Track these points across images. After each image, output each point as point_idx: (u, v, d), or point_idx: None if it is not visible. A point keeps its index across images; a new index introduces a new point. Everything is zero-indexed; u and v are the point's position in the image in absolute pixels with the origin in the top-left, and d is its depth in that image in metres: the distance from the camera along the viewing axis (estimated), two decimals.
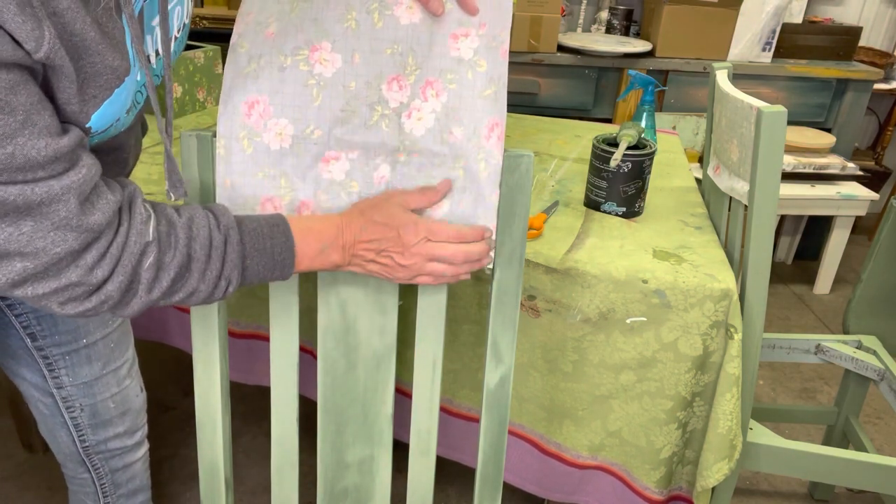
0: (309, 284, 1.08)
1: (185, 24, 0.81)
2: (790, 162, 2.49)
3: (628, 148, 1.19)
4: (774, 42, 2.50)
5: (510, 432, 1.18)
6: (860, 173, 2.53)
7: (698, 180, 1.46)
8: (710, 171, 1.27)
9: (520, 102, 2.48)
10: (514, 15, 0.79)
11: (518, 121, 1.80)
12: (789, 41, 2.57)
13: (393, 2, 0.76)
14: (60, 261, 0.61)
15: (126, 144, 0.83)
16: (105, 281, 0.64)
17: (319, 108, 0.79)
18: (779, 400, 2.09)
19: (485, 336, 0.89)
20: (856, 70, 2.52)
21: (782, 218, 2.86)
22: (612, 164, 1.18)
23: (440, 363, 0.89)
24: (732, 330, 1.02)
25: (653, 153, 1.21)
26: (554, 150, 1.59)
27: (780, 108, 0.97)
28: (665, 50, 2.47)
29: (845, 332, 1.54)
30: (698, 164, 2.51)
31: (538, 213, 1.20)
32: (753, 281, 1.07)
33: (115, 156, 0.82)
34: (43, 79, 0.59)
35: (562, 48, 2.48)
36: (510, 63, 0.80)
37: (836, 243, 2.60)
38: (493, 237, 0.83)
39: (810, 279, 2.80)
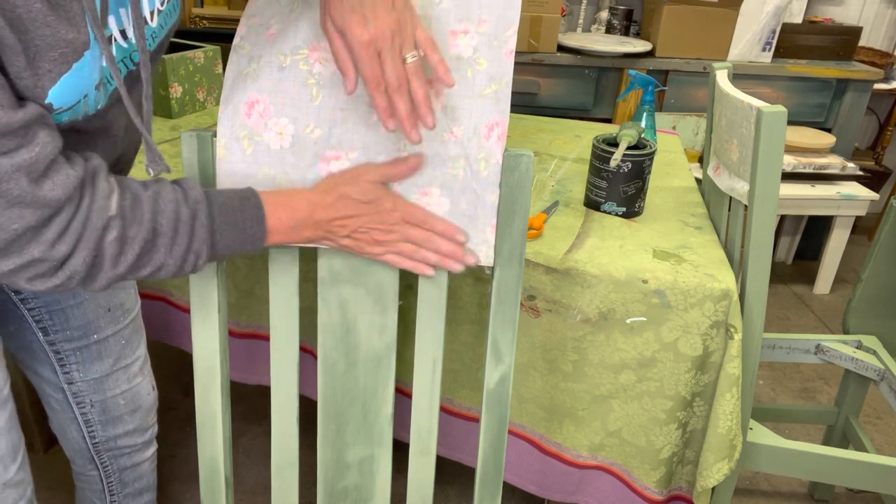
0: (309, 284, 1.08)
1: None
2: (790, 162, 2.49)
3: (628, 148, 1.19)
4: (774, 42, 2.50)
5: (510, 432, 1.18)
6: (860, 173, 2.53)
7: (698, 180, 1.46)
8: (710, 171, 1.27)
9: (520, 102, 2.48)
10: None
11: (518, 121, 1.80)
12: (789, 41, 2.57)
13: None
14: (20, 237, 0.61)
15: (114, 125, 0.81)
16: (68, 256, 0.64)
17: (319, 108, 0.79)
18: (779, 400, 2.09)
19: (485, 336, 0.89)
20: (856, 70, 2.52)
21: (782, 218, 2.86)
22: (612, 164, 1.18)
23: (440, 363, 0.89)
24: (732, 330, 1.02)
25: (653, 153, 1.21)
26: (554, 150, 1.59)
27: (780, 108, 0.97)
28: (665, 50, 2.47)
29: (845, 332, 1.54)
30: (698, 164, 2.51)
31: (538, 213, 1.20)
32: (753, 281, 1.07)
33: (103, 137, 0.80)
34: None
35: (562, 48, 2.48)
36: None
37: (836, 243, 2.60)
38: (469, 246, 0.82)
39: (810, 279, 2.80)
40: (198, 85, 1.71)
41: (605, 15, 2.71)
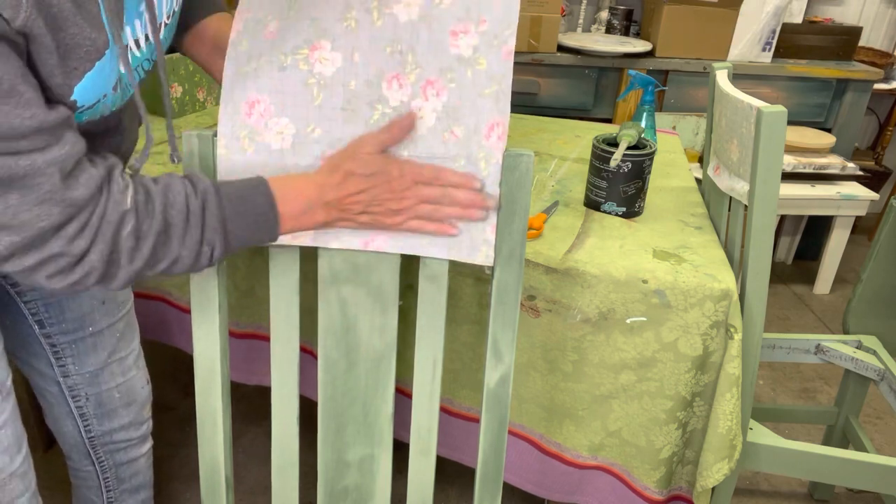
0: (309, 284, 1.08)
1: (174, 12, 0.81)
2: (790, 162, 2.49)
3: (628, 148, 1.19)
4: (774, 42, 2.50)
5: (510, 432, 1.18)
6: (860, 173, 2.53)
7: (698, 180, 1.46)
8: (710, 171, 1.27)
9: (520, 102, 2.48)
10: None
11: (518, 121, 1.80)
12: (789, 41, 2.57)
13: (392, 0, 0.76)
14: (45, 233, 0.63)
15: (120, 126, 0.84)
16: (86, 251, 0.65)
17: (320, 108, 0.79)
18: (779, 400, 2.09)
19: (485, 336, 0.89)
20: (856, 70, 2.52)
21: (782, 218, 2.87)
22: (612, 164, 1.18)
23: (440, 363, 0.89)
24: (732, 330, 1.02)
25: (653, 153, 1.21)
26: (554, 150, 1.59)
27: (780, 108, 0.97)
28: (665, 50, 2.47)
29: (845, 332, 1.54)
30: (698, 164, 2.51)
31: (538, 213, 1.20)
32: (753, 281, 1.07)
33: (111, 135, 0.83)
34: (26, 55, 0.60)
35: (562, 48, 2.48)
36: None
37: (836, 243, 2.60)
38: (490, 192, 0.81)
39: (810, 279, 2.80)
40: (198, 85, 1.71)
41: (605, 15, 2.71)
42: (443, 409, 1.22)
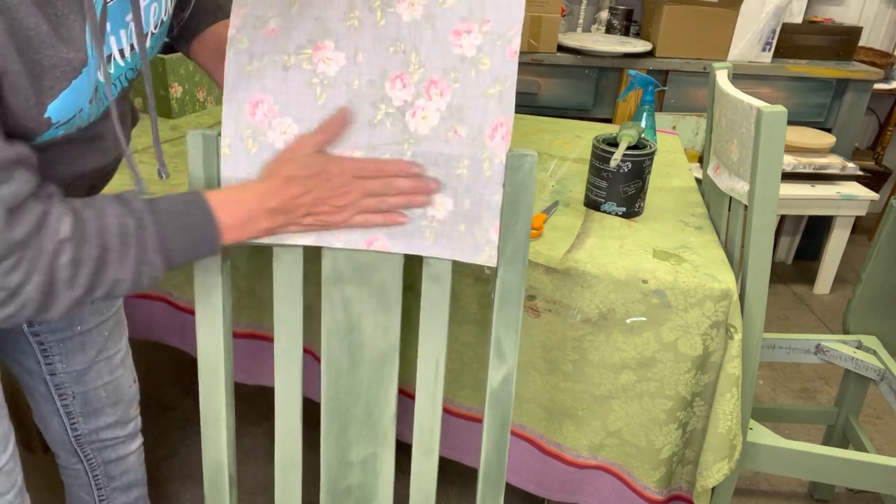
0: (311, 284, 1.08)
1: (163, 21, 0.81)
2: (790, 162, 2.49)
3: (628, 148, 1.20)
4: (774, 42, 2.50)
5: (510, 432, 1.18)
6: (860, 173, 2.54)
7: (698, 180, 1.47)
8: (710, 171, 1.28)
9: (520, 102, 2.47)
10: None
11: (518, 121, 1.81)
12: (789, 41, 2.57)
13: None
14: None
15: (106, 134, 0.83)
16: (21, 284, 0.63)
17: (323, 107, 0.79)
18: (779, 400, 2.09)
19: (487, 336, 0.90)
20: (856, 70, 2.52)
21: (782, 218, 2.87)
22: (612, 164, 1.19)
23: (443, 362, 0.89)
24: (732, 330, 1.03)
25: (653, 153, 1.21)
26: (554, 150, 1.59)
27: (780, 108, 0.97)
28: (665, 50, 2.47)
29: (845, 332, 1.54)
30: (698, 164, 2.51)
31: (538, 213, 1.20)
32: (753, 281, 1.07)
33: (96, 144, 0.82)
34: None
35: (562, 48, 2.48)
36: None
37: (836, 243, 2.60)
38: (430, 175, 0.81)
39: (810, 279, 2.80)
40: (198, 85, 1.71)
41: (605, 15, 2.71)
42: (443, 409, 1.22)
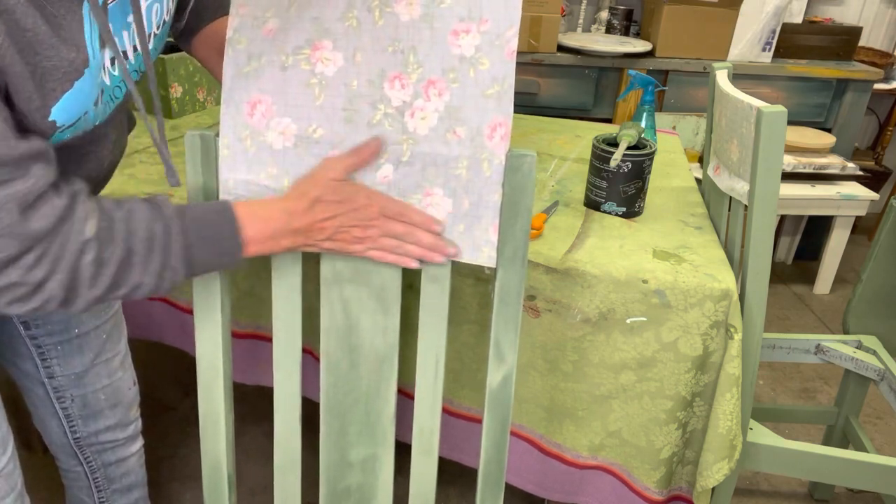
0: (310, 285, 1.08)
1: (164, 22, 0.81)
2: (790, 162, 2.49)
3: (628, 148, 1.20)
4: (774, 42, 2.50)
5: (510, 432, 1.18)
6: (860, 173, 2.53)
7: (698, 180, 1.47)
8: (710, 171, 1.27)
9: (520, 102, 2.48)
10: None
11: (518, 121, 1.81)
12: (789, 41, 2.57)
13: None
14: (1, 264, 0.62)
15: (105, 138, 0.83)
16: (44, 280, 0.64)
17: (322, 108, 0.79)
18: (779, 400, 2.09)
19: (486, 336, 0.90)
20: (856, 70, 2.52)
21: (782, 218, 2.87)
22: (612, 164, 1.18)
23: (443, 362, 0.89)
24: (732, 330, 1.03)
25: (653, 153, 1.21)
26: (554, 150, 1.59)
27: (780, 108, 0.97)
28: (665, 50, 2.47)
29: (845, 332, 1.54)
30: (698, 164, 2.51)
31: (538, 213, 1.20)
32: (753, 281, 1.07)
33: (96, 150, 0.82)
34: (3, 86, 0.59)
35: (562, 48, 2.48)
36: None
37: (836, 243, 2.60)
38: (449, 243, 0.82)
39: (810, 279, 2.80)
40: (198, 85, 1.71)
41: (605, 15, 2.71)
42: (443, 409, 1.22)
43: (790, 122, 2.13)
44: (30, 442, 1.68)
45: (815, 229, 2.89)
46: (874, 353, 1.46)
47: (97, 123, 0.75)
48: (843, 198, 2.47)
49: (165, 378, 2.01)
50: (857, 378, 1.54)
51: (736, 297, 1.02)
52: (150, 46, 0.78)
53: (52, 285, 0.64)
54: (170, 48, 1.71)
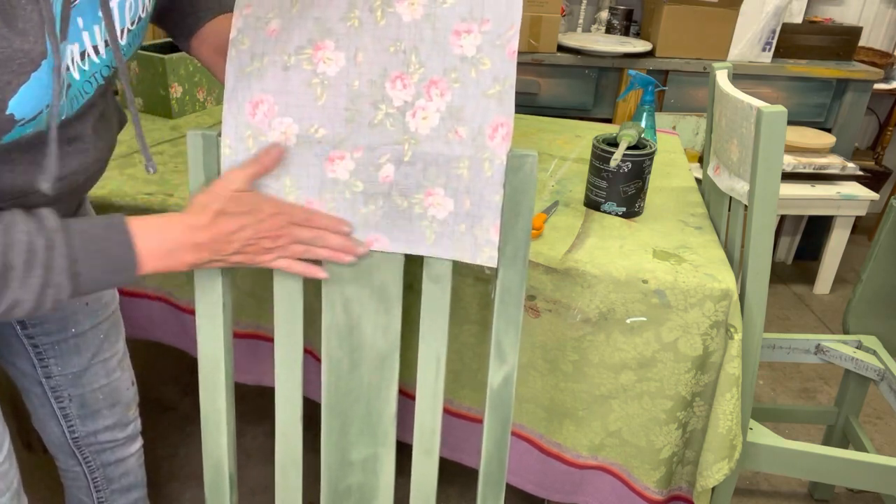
0: (311, 284, 1.08)
1: (140, 18, 0.79)
2: (790, 162, 2.49)
3: (628, 148, 1.20)
4: (774, 42, 2.50)
5: (510, 432, 1.18)
6: (860, 173, 2.54)
7: (698, 180, 1.47)
8: (710, 171, 1.28)
9: (520, 102, 2.47)
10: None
11: (518, 121, 1.81)
12: (789, 41, 2.57)
13: None
14: None
15: (83, 135, 0.81)
16: None
17: (324, 108, 0.79)
18: (779, 400, 2.09)
19: (487, 336, 0.90)
20: (856, 70, 2.52)
21: (782, 218, 2.87)
22: (612, 164, 1.19)
23: (444, 362, 0.89)
24: (732, 330, 1.03)
25: (653, 153, 1.21)
26: (554, 150, 1.59)
27: (780, 108, 0.97)
28: (665, 50, 2.47)
29: (845, 332, 1.54)
30: (698, 164, 2.51)
31: (538, 213, 1.20)
32: (753, 281, 1.07)
33: (76, 146, 0.80)
34: None
35: (562, 48, 2.48)
36: None
37: (836, 243, 2.61)
38: (357, 243, 0.82)
39: (810, 279, 2.80)
40: (198, 85, 1.71)
41: (605, 15, 2.71)
42: (444, 409, 1.22)
43: (790, 122, 2.13)
44: (30, 442, 1.68)
45: (815, 229, 2.89)
46: (874, 353, 1.46)
47: (67, 119, 0.73)
48: (843, 198, 2.47)
49: (165, 378, 2.01)
50: (857, 378, 1.54)
51: (736, 297, 1.02)
52: (124, 42, 0.76)
53: None
54: (170, 48, 1.71)
